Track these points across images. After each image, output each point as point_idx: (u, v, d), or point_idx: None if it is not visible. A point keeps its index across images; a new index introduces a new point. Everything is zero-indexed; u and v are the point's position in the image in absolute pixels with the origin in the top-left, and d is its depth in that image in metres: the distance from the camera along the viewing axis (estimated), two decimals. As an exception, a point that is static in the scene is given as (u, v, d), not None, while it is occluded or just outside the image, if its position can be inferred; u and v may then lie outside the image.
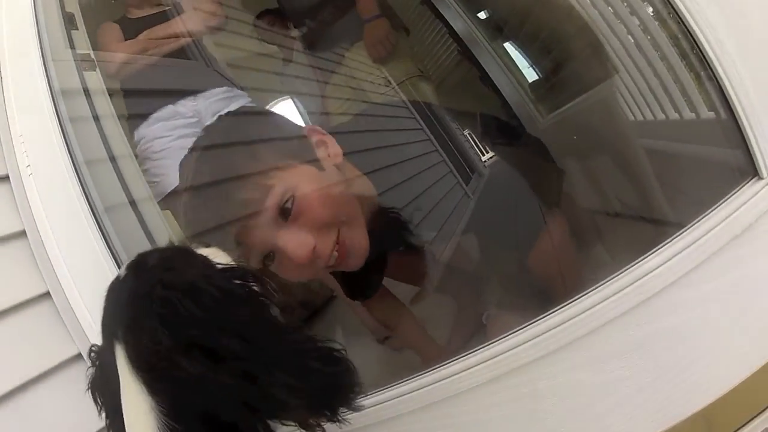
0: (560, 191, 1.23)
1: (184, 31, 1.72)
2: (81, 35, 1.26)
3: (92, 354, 0.69)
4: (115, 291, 0.68)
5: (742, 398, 0.90)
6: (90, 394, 0.68)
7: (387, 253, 1.21)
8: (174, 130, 1.65)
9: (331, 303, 1.84)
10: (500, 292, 1.26)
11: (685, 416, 0.88)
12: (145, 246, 1.07)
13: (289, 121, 1.10)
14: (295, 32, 1.81)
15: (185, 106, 1.69)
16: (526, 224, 1.17)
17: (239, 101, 1.73)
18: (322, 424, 0.64)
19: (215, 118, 1.14)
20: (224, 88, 1.73)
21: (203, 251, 0.70)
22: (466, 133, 1.46)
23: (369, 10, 1.59)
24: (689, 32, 0.95)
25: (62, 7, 1.22)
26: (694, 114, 1.46)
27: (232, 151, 0.95)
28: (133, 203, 1.10)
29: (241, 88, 1.74)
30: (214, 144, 0.98)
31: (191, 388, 0.54)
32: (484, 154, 1.46)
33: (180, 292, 0.57)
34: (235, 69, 1.75)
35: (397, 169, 1.20)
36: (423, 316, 1.32)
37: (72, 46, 1.20)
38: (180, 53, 1.71)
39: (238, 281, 0.63)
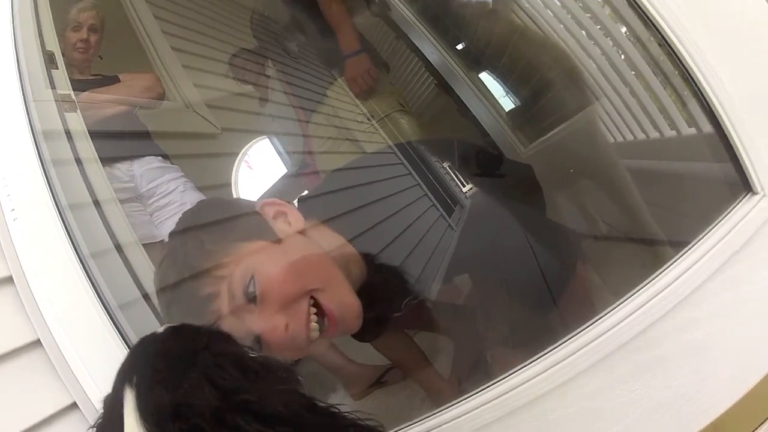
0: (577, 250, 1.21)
1: (122, 99, 1.72)
2: (61, 74, 1.23)
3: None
4: (144, 343, 0.69)
5: (751, 405, 0.90)
6: None
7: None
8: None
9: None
10: (504, 330, 1.23)
11: (698, 428, 0.87)
12: (133, 291, 1.05)
13: (241, 201, 1.10)
14: (271, 71, 1.80)
15: (121, 169, 1.67)
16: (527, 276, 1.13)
17: (171, 173, 1.73)
18: None
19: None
20: (159, 158, 1.74)
21: None
22: (446, 165, 1.45)
23: (350, 46, 1.58)
24: (675, 54, 0.97)
25: (42, 45, 1.19)
26: (674, 132, 1.48)
27: (186, 252, 0.91)
28: (118, 247, 1.06)
29: (171, 162, 1.76)
30: (173, 248, 0.96)
31: None
32: (464, 186, 1.45)
33: (228, 361, 0.61)
34: (214, 110, 1.73)
35: (380, 214, 1.16)
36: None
37: (53, 86, 1.17)
38: (116, 119, 1.70)
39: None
